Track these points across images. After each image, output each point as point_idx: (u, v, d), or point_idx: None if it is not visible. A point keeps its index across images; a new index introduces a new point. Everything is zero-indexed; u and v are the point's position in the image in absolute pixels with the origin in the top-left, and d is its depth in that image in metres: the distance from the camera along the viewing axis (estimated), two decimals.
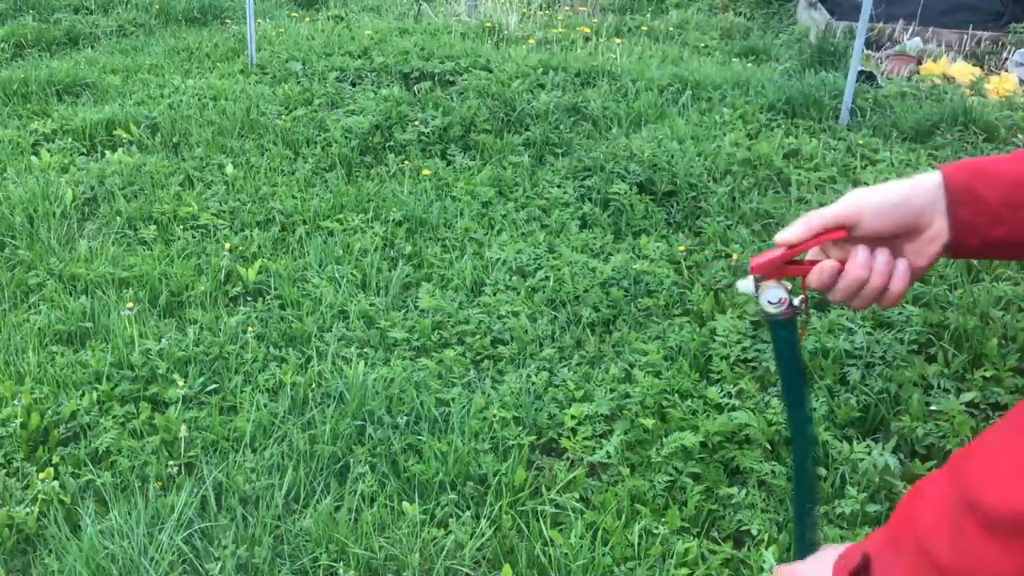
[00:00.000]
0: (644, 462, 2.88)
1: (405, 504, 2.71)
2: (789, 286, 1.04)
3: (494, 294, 3.76)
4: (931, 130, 5.49)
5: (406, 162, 5.05)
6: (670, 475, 2.81)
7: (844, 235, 1.01)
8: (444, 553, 2.56)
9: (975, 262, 3.89)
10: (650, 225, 4.37)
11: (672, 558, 2.52)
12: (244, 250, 4.10)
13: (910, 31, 8.09)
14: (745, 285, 1.05)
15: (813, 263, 1.04)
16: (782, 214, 4.45)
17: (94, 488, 2.78)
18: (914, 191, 1.00)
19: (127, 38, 7.76)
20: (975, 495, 0.80)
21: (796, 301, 1.04)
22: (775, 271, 1.03)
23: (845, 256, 1.04)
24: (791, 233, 1.02)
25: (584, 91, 6.13)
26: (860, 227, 1.00)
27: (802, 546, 1.25)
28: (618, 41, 7.60)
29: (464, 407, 3.09)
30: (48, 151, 5.06)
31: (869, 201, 1.00)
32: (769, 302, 1.04)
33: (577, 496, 2.76)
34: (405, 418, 3.04)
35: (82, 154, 5.15)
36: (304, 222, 4.35)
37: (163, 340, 3.40)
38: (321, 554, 2.55)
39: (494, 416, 3.04)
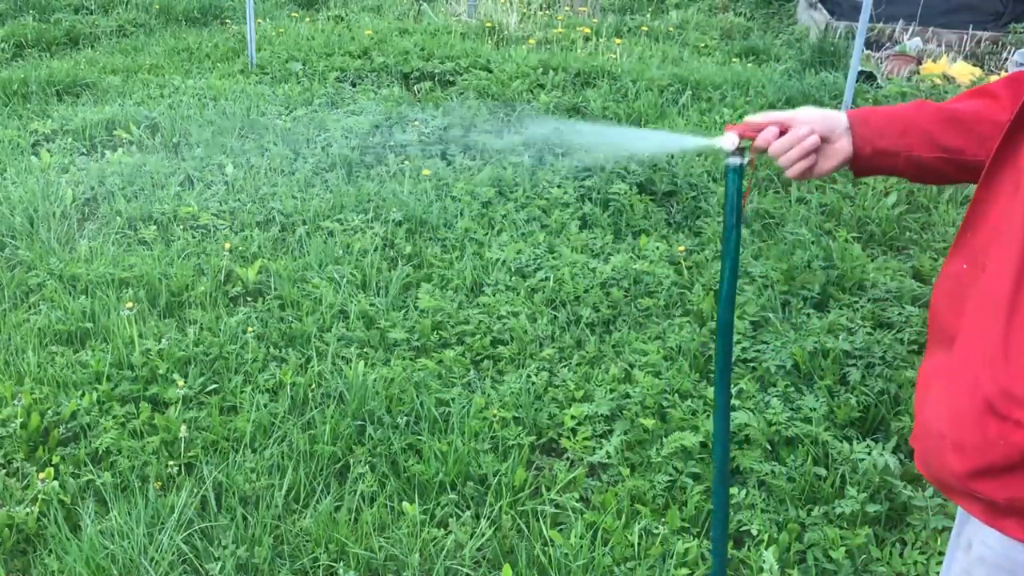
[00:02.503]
0: (644, 462, 2.88)
1: (405, 504, 2.71)
2: (740, 142, 1.56)
3: (494, 294, 3.76)
4: None
5: (406, 162, 5.05)
6: (670, 475, 2.81)
7: (782, 129, 1.52)
8: (444, 553, 2.56)
9: None
10: (650, 225, 4.38)
11: (672, 558, 2.52)
12: (244, 250, 4.10)
13: (910, 31, 8.09)
14: (717, 140, 1.56)
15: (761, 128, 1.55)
16: (782, 214, 4.45)
17: (94, 488, 2.78)
18: (834, 113, 1.51)
19: (127, 38, 7.76)
20: None
21: (746, 156, 1.56)
22: (737, 131, 1.57)
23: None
24: (749, 120, 1.58)
25: (584, 91, 6.14)
26: (793, 124, 1.52)
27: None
28: (618, 41, 7.60)
29: (464, 407, 3.09)
30: (48, 151, 5.06)
31: (805, 111, 1.54)
32: (728, 144, 1.55)
33: (577, 496, 2.76)
34: (405, 418, 3.04)
35: (82, 154, 5.15)
36: (304, 222, 4.35)
37: (163, 340, 3.40)
38: (321, 554, 2.55)
39: (494, 416, 3.05)
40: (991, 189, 1.31)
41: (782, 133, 1.52)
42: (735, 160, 1.57)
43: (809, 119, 1.51)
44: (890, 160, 1.50)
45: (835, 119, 1.51)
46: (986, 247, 1.29)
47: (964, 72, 6.87)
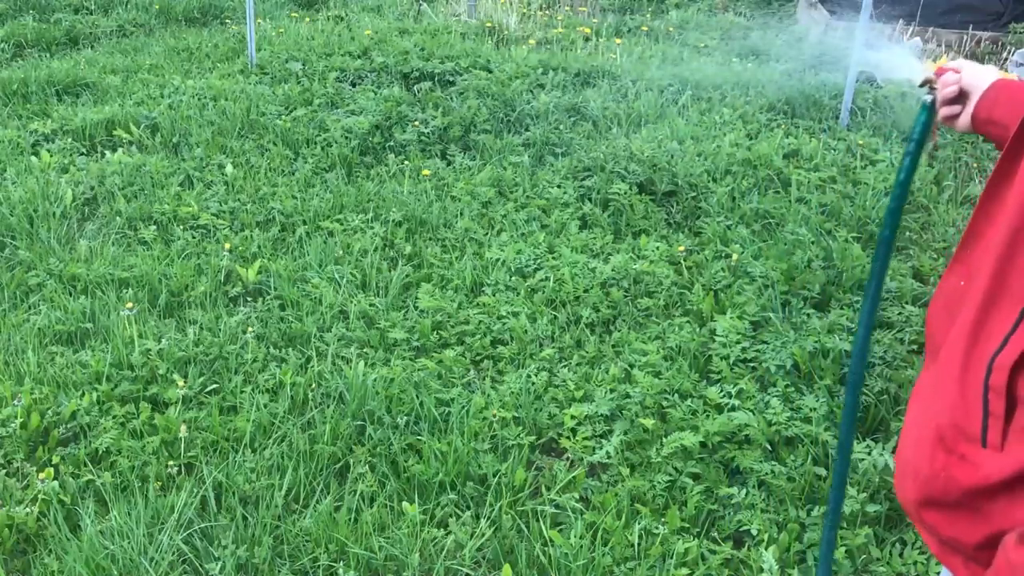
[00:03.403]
0: (644, 462, 2.88)
1: (405, 504, 2.71)
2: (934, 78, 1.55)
3: (494, 294, 3.76)
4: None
5: (406, 162, 5.05)
6: (670, 475, 2.81)
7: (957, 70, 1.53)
8: (444, 553, 2.56)
9: None
10: (650, 225, 4.37)
11: (672, 558, 2.52)
12: (244, 250, 4.10)
13: (910, 31, 8.09)
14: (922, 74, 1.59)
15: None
16: (782, 214, 4.45)
17: (94, 488, 2.78)
18: (990, 73, 1.49)
19: (127, 38, 7.76)
20: None
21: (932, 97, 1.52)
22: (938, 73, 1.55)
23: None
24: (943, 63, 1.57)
25: (584, 91, 6.14)
26: (960, 71, 1.52)
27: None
28: (618, 41, 7.60)
29: (464, 407, 3.09)
30: (48, 151, 5.06)
31: (974, 65, 1.53)
32: (925, 78, 1.55)
33: (577, 496, 2.76)
34: (405, 418, 3.04)
35: (82, 154, 5.15)
36: (304, 222, 4.34)
37: (163, 340, 3.40)
38: (321, 554, 2.55)
39: (494, 416, 3.05)
40: (993, 204, 1.28)
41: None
42: (928, 97, 1.55)
43: (967, 71, 1.51)
44: (998, 131, 1.46)
45: (981, 77, 1.50)
46: (981, 267, 1.26)
47: None
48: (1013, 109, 1.44)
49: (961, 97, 1.51)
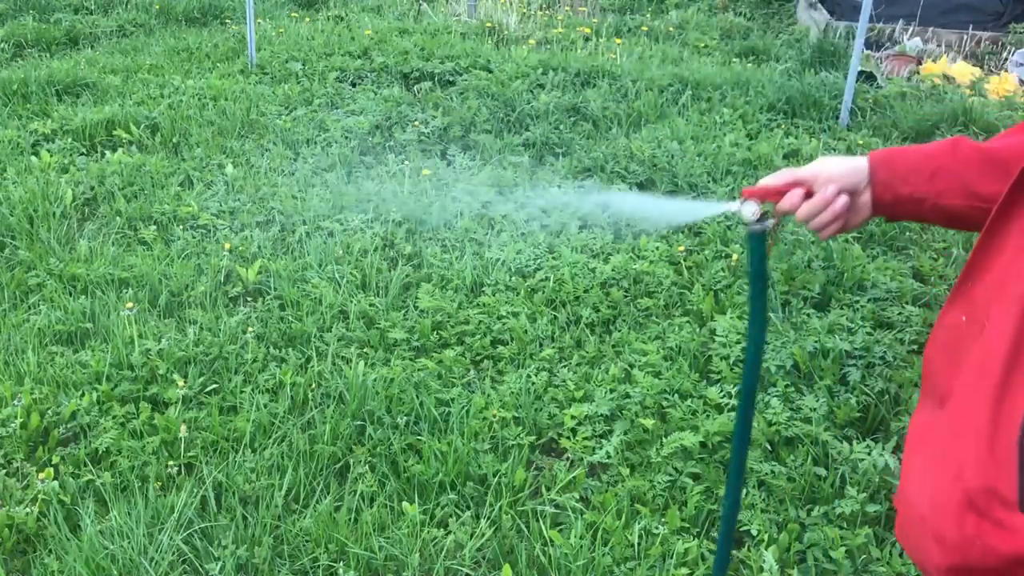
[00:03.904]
0: (644, 462, 2.88)
1: (405, 504, 2.71)
2: (761, 208, 1.44)
3: (494, 294, 3.76)
4: (931, 130, 5.49)
5: (406, 162, 5.05)
6: (670, 475, 2.81)
7: (806, 190, 1.39)
8: (444, 553, 2.56)
9: None
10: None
11: (672, 558, 2.52)
12: (244, 250, 4.10)
13: (910, 31, 8.09)
14: (734, 206, 1.45)
15: (784, 191, 1.42)
16: None
17: (94, 488, 2.78)
18: (857, 164, 1.38)
19: (127, 38, 7.76)
20: None
21: (769, 222, 1.44)
22: (757, 196, 1.44)
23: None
24: (768, 181, 1.43)
25: (584, 91, 6.14)
26: (817, 184, 1.39)
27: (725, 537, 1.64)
28: (618, 41, 7.60)
29: (464, 407, 3.09)
30: (48, 151, 5.06)
31: (826, 167, 1.39)
32: (751, 213, 1.43)
33: (577, 496, 2.76)
34: (405, 418, 3.04)
35: (82, 154, 5.15)
36: (304, 222, 4.34)
37: (163, 340, 3.40)
38: (321, 554, 2.55)
39: (494, 416, 3.04)
40: (996, 239, 1.18)
41: (807, 194, 1.40)
42: (758, 227, 1.45)
43: (833, 175, 1.38)
44: (915, 207, 1.36)
45: (859, 171, 1.38)
46: (987, 303, 1.16)
47: (964, 72, 6.87)
48: (930, 178, 1.33)
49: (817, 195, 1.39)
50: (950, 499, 1.13)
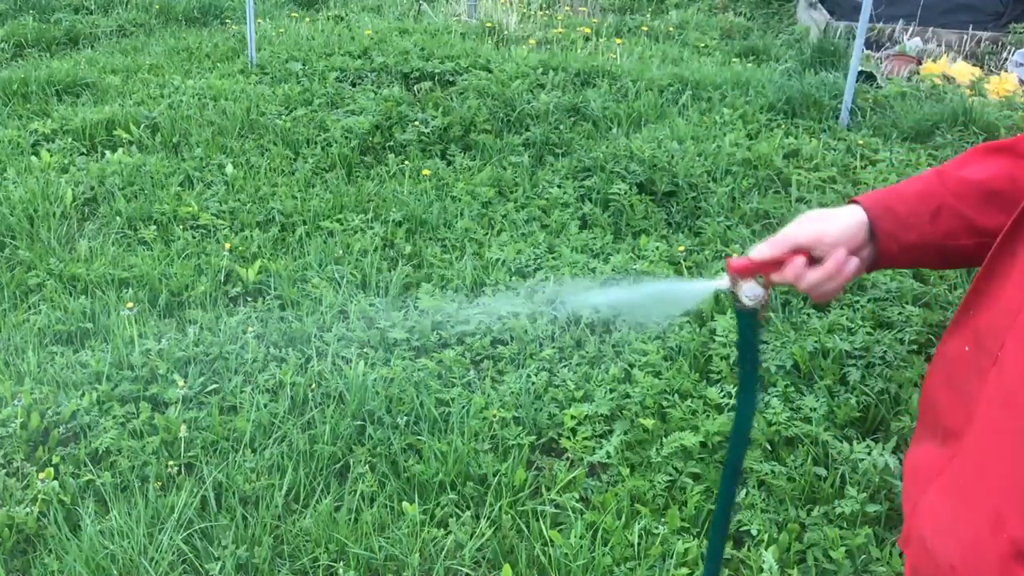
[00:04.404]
0: (644, 462, 2.88)
1: (405, 504, 2.71)
2: (765, 289, 1.28)
3: (494, 294, 3.76)
4: (931, 130, 5.49)
5: (406, 162, 5.05)
6: (670, 475, 2.81)
7: (806, 255, 1.25)
8: (444, 553, 2.56)
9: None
10: (650, 225, 4.37)
11: (672, 558, 2.52)
12: (244, 250, 4.10)
13: (910, 31, 8.09)
14: (723, 283, 1.29)
15: (781, 261, 1.27)
16: (782, 214, 4.45)
17: (94, 488, 2.78)
18: (853, 219, 1.26)
19: (127, 38, 7.76)
20: None
21: (762, 295, 1.28)
22: (749, 272, 1.27)
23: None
24: (762, 252, 1.27)
25: (584, 91, 6.13)
26: (820, 249, 1.25)
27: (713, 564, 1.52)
28: (618, 41, 7.60)
29: (464, 407, 3.09)
30: (48, 151, 5.06)
31: (826, 228, 1.26)
32: (748, 297, 1.27)
33: (577, 496, 2.76)
34: (405, 418, 3.04)
35: (82, 154, 5.15)
36: (304, 222, 4.34)
37: (163, 340, 3.40)
38: (321, 554, 2.55)
39: (494, 416, 3.04)
40: (1001, 267, 1.12)
41: (809, 260, 1.26)
42: (751, 303, 1.29)
43: (839, 237, 1.25)
44: (917, 254, 1.27)
45: (860, 226, 1.26)
46: (996, 333, 1.09)
47: (964, 72, 6.88)
48: (932, 220, 1.24)
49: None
50: (991, 550, 1.05)
